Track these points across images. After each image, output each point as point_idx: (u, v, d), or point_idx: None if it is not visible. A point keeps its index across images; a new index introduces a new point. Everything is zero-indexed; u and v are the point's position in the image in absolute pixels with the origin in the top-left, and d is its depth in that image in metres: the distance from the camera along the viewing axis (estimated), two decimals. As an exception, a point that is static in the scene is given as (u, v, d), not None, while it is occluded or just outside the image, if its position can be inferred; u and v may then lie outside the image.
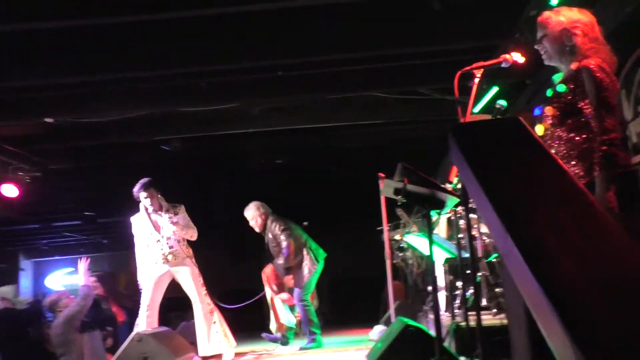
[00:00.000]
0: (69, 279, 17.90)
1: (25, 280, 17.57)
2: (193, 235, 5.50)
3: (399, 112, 6.99)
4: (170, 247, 5.42)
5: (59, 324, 5.04)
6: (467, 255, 3.49)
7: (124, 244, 16.39)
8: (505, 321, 3.05)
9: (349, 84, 6.10)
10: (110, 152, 7.88)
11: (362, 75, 5.96)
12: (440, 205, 2.86)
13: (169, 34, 5.03)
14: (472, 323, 3.31)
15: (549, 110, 2.69)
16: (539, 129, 2.74)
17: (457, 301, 4.61)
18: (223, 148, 7.97)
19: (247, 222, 6.63)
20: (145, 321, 5.37)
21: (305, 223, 8.84)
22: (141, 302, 5.46)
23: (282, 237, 6.33)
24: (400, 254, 7.84)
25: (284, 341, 6.35)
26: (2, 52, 5.07)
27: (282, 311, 6.44)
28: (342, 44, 5.22)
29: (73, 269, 17.92)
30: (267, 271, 6.59)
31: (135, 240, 5.64)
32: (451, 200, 2.84)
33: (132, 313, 7.21)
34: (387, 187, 2.89)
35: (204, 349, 5.40)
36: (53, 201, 10.52)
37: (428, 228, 2.80)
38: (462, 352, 3.51)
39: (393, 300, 6.10)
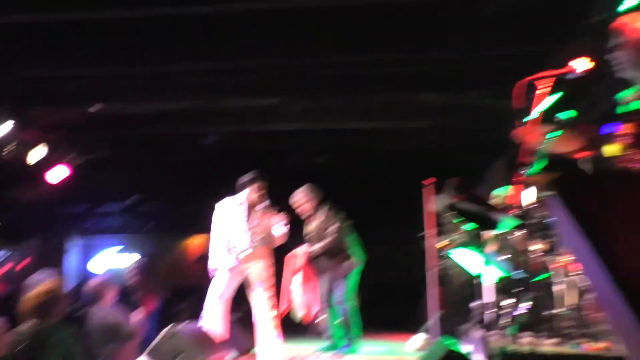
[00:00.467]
0: (113, 262, 18.39)
1: (72, 262, 18.09)
2: (280, 241, 5.42)
3: (447, 117, 6.75)
4: (251, 242, 5.31)
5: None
6: (518, 274, 3.25)
7: (168, 229, 16.78)
8: (558, 348, 2.84)
9: (398, 86, 5.92)
10: (152, 143, 7.92)
11: (411, 77, 5.77)
12: (492, 225, 2.66)
13: (213, 28, 4.97)
14: (520, 346, 3.03)
15: (628, 128, 2.41)
16: (613, 149, 2.46)
17: (504, 320, 4.37)
18: (262, 145, 7.90)
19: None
20: (213, 313, 5.31)
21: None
22: (212, 293, 5.36)
23: (331, 229, 6.04)
24: (442, 262, 7.61)
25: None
26: (51, 42, 5.13)
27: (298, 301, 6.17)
28: (391, 45, 5.05)
29: (117, 251, 18.42)
30: (299, 261, 6.31)
31: (215, 227, 5.49)
32: (506, 221, 2.63)
33: (167, 302, 7.25)
34: (437, 202, 2.71)
35: (260, 352, 5.30)
36: (98, 185, 10.73)
37: (479, 247, 2.59)
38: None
39: (434, 310, 5.90)
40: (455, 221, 5.76)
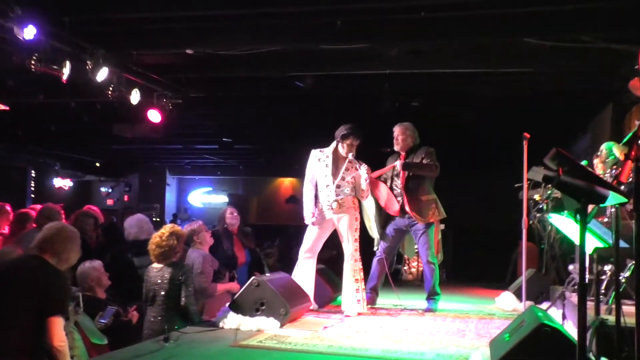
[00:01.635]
0: (207, 198, 19.21)
1: (170, 195, 19.06)
2: (368, 194, 5.34)
3: (552, 60, 6.27)
4: (337, 195, 5.30)
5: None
6: (619, 243, 2.99)
7: (259, 171, 17.15)
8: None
9: (500, 29, 5.54)
10: (245, 85, 7.98)
11: (515, 19, 5.37)
12: (599, 199, 2.42)
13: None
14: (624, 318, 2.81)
15: None
16: None
17: (603, 288, 4.13)
18: (356, 88, 7.74)
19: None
20: (302, 264, 5.38)
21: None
22: (301, 246, 5.45)
23: (430, 160, 5.66)
24: (538, 215, 7.28)
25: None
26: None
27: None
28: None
29: (211, 189, 19.18)
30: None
31: (307, 174, 5.49)
32: (614, 197, 2.39)
33: (257, 244, 7.45)
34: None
35: (345, 306, 5.31)
36: (193, 126, 11.05)
37: (582, 222, 2.38)
38: (607, 353, 3.07)
39: (525, 267, 5.67)
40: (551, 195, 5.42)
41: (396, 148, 5.76)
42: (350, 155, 5.27)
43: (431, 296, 5.75)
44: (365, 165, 5.28)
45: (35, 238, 3.39)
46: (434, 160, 5.72)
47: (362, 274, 5.40)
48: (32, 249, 3.34)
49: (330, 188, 5.34)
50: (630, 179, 2.77)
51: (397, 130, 5.79)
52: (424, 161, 5.71)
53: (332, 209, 5.32)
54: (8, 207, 6.15)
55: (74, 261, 3.50)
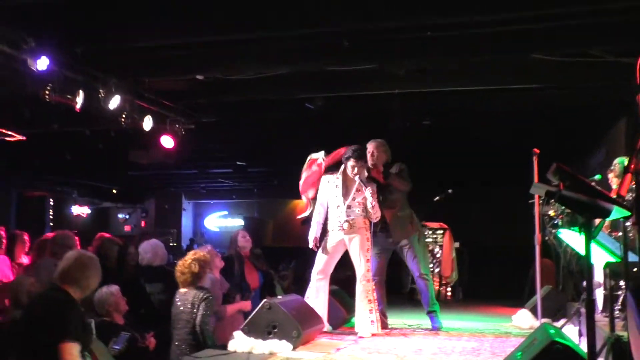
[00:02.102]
0: (223, 222, 19.29)
1: (187, 220, 19.17)
2: (377, 215, 5.37)
3: (559, 75, 6.26)
4: (348, 216, 5.32)
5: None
6: (634, 257, 2.95)
7: (273, 193, 17.17)
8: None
9: (506, 45, 5.55)
10: (256, 108, 8.05)
11: (520, 35, 5.38)
12: (603, 213, 2.39)
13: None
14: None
15: None
16: None
17: (619, 303, 4.05)
18: (366, 107, 7.77)
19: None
20: (315, 286, 5.39)
21: (449, 191, 8.45)
22: (313, 268, 5.46)
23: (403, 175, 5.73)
24: (553, 231, 7.19)
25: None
26: (158, 14, 5.28)
27: None
28: (499, 2, 4.71)
29: (227, 212, 19.26)
30: None
31: (319, 198, 5.53)
32: (618, 211, 2.36)
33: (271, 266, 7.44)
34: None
35: (359, 327, 5.28)
36: (207, 150, 11.15)
37: (587, 236, 2.35)
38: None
39: (541, 284, 5.59)
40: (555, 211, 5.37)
41: (370, 163, 5.70)
42: (356, 178, 5.29)
43: (431, 310, 5.72)
44: (371, 188, 5.29)
45: (56, 269, 3.48)
46: (406, 177, 5.76)
47: (375, 294, 5.37)
48: (55, 280, 3.44)
49: (340, 209, 5.36)
50: (631, 193, 2.74)
51: (371, 146, 5.76)
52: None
53: (343, 229, 5.33)
54: (26, 236, 6.23)
55: (94, 286, 3.60)
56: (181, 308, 4.56)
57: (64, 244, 5.38)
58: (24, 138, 8.69)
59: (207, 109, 8.17)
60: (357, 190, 5.35)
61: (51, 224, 14.81)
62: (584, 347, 3.77)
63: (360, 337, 5.15)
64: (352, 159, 5.33)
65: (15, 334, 3.32)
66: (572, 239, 4.03)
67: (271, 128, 9.24)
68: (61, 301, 3.29)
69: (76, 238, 5.64)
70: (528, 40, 5.46)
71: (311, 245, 5.44)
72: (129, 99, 6.82)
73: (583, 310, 4.63)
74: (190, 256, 4.74)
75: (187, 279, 4.63)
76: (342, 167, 5.43)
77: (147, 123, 7.37)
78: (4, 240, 5.69)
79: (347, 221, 5.31)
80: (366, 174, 5.43)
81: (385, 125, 7.94)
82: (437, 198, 8.24)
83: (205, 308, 4.49)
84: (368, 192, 5.28)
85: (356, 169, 5.31)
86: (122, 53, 6.09)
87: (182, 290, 4.65)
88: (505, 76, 6.48)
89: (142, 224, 18.20)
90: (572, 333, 4.35)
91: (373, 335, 5.20)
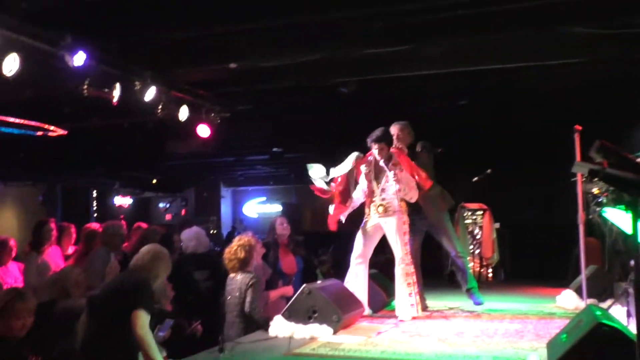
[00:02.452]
0: (262, 208, 19.44)
1: (226, 207, 19.39)
2: (413, 197, 5.36)
3: (602, 49, 6.04)
4: (383, 200, 5.37)
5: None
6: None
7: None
8: None
9: (545, 20, 5.37)
10: (290, 94, 8.03)
11: (561, 8, 5.21)
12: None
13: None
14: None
15: None
16: None
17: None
18: (400, 90, 7.67)
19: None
20: (354, 271, 5.43)
21: (488, 171, 8.33)
22: (352, 252, 5.51)
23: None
24: (598, 209, 7.02)
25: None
26: (192, 4, 5.31)
27: None
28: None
29: (265, 199, 19.39)
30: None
31: (359, 184, 5.61)
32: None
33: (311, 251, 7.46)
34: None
35: (399, 310, 5.29)
36: (243, 138, 11.22)
37: (634, 214, 2.27)
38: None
39: (586, 263, 5.47)
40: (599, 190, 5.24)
41: (397, 144, 5.73)
42: (381, 162, 5.29)
43: (469, 287, 5.71)
44: (393, 172, 5.24)
45: (132, 260, 3.77)
46: (429, 150, 5.92)
47: (414, 277, 5.34)
48: (131, 268, 3.75)
49: (375, 193, 5.38)
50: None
51: (395, 128, 5.82)
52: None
53: (378, 212, 5.35)
54: (72, 229, 6.41)
55: (163, 277, 3.87)
56: (231, 293, 4.73)
57: (114, 233, 5.58)
58: (66, 133, 8.91)
59: (241, 96, 8.20)
60: (392, 177, 5.32)
61: (95, 215, 15.18)
62: (632, 328, 3.69)
63: (401, 320, 5.14)
64: (375, 143, 5.34)
65: (93, 307, 3.55)
66: (618, 217, 3.93)
67: (305, 113, 9.22)
68: (138, 277, 3.60)
69: (124, 224, 5.84)
70: (566, 13, 5.29)
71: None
72: (165, 91, 6.91)
73: (631, 290, 4.54)
74: (235, 242, 4.91)
75: (235, 265, 4.81)
76: (374, 148, 5.41)
77: (183, 113, 7.45)
78: (54, 232, 5.88)
79: (381, 204, 5.34)
80: (392, 157, 5.40)
81: (422, 106, 7.85)
82: (475, 179, 8.15)
83: (252, 293, 4.59)
84: (391, 175, 5.26)
85: (378, 152, 5.31)
86: (157, 45, 6.16)
87: (231, 275, 4.82)
88: (544, 52, 6.29)
89: (183, 212, 18.50)
90: (619, 314, 4.25)
91: (414, 318, 5.19)
